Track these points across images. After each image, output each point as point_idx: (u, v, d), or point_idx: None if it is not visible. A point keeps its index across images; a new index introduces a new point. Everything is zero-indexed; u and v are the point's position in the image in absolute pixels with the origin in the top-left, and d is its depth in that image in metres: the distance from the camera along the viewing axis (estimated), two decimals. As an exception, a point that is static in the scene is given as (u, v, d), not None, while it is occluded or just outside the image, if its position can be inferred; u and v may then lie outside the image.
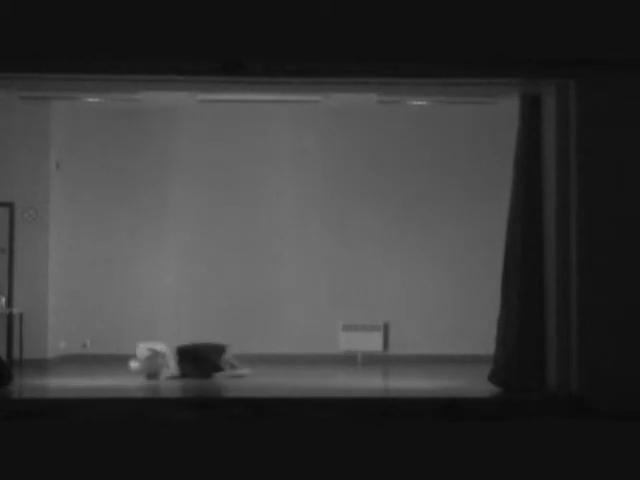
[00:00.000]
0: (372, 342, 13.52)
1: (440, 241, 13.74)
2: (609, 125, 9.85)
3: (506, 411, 9.49)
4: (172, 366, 11.61)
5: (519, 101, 10.71)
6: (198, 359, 11.71)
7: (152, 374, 11.47)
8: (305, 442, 7.81)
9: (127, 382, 11.27)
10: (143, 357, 11.61)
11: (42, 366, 12.66)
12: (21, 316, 12.84)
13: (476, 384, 10.79)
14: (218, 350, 11.81)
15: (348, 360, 13.46)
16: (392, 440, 7.92)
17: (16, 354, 12.68)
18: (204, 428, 8.49)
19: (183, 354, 11.71)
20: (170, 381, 11.34)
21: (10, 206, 13.08)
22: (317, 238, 13.73)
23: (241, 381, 11.50)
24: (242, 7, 9.42)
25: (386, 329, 13.64)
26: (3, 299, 12.78)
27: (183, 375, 11.56)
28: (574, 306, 9.96)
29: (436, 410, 9.34)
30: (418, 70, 9.85)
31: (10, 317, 12.74)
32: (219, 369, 11.63)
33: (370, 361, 13.45)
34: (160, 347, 11.70)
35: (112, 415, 9.08)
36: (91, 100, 12.64)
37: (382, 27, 9.46)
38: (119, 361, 12.98)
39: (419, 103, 12.83)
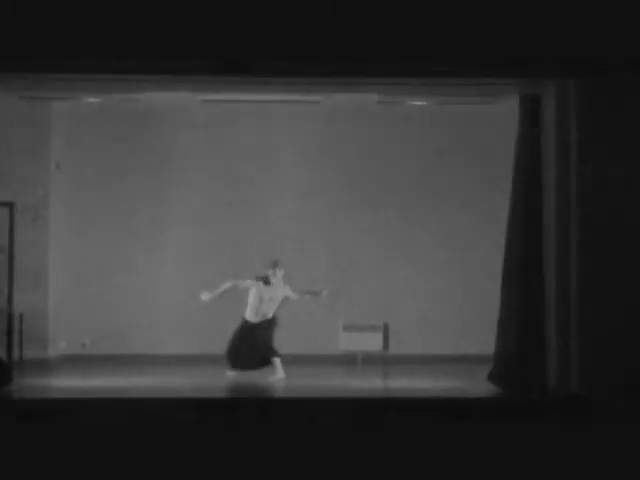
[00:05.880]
0: (372, 342, 13.51)
1: (440, 241, 13.73)
2: (609, 125, 9.86)
3: (506, 411, 9.50)
4: None
5: (519, 101, 10.72)
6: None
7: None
8: (305, 442, 7.81)
9: (127, 382, 11.28)
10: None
11: (42, 366, 12.65)
12: (21, 316, 12.83)
13: (476, 384, 10.79)
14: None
15: (348, 360, 13.45)
16: (392, 440, 7.92)
17: (16, 354, 12.66)
18: (204, 428, 8.49)
19: None
20: None
21: (10, 206, 13.07)
22: (317, 238, 13.72)
23: (241, 382, 11.51)
24: (242, 7, 9.43)
25: (386, 329, 13.63)
26: (3, 299, 12.77)
27: None
28: (574, 306, 9.97)
29: (436, 410, 9.34)
30: (418, 70, 9.85)
31: (10, 317, 12.72)
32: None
33: (370, 361, 13.45)
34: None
35: (112, 415, 9.08)
36: (91, 100, 12.63)
37: (382, 27, 9.47)
38: (119, 361, 13.01)
39: (419, 103, 12.82)
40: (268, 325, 11.88)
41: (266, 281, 11.87)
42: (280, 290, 11.88)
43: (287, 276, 11.98)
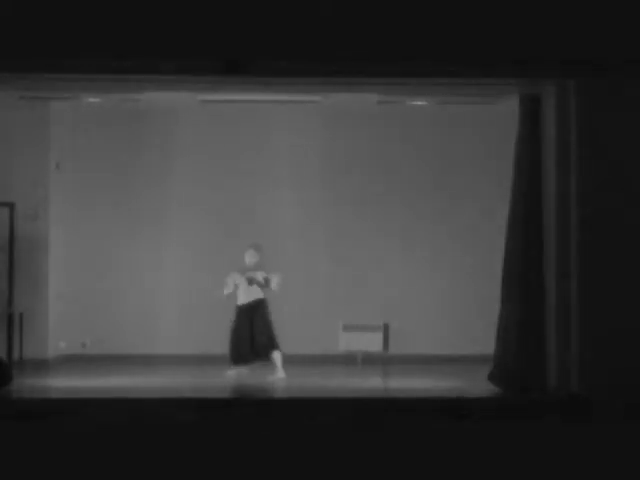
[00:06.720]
0: (372, 342, 13.52)
1: (440, 241, 13.74)
2: (609, 125, 9.86)
3: (506, 411, 9.50)
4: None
5: (519, 101, 10.71)
6: None
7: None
8: (305, 442, 7.81)
9: (127, 382, 11.28)
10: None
11: (42, 366, 12.65)
12: (21, 316, 12.83)
13: (476, 384, 10.79)
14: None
15: (348, 360, 13.45)
16: (392, 440, 7.92)
17: (16, 354, 12.66)
18: (204, 428, 8.49)
19: None
20: None
21: (10, 206, 13.07)
22: (317, 238, 13.72)
23: (241, 382, 11.51)
24: (242, 7, 9.43)
25: (386, 329, 13.63)
26: (3, 299, 12.77)
27: None
28: (574, 306, 9.96)
29: (436, 410, 9.34)
30: (418, 70, 9.85)
31: (10, 317, 12.72)
32: None
33: (370, 361, 13.45)
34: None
35: (112, 415, 9.08)
36: (91, 100, 12.63)
37: (382, 27, 9.47)
38: (119, 361, 13.01)
39: (419, 103, 12.82)
40: (262, 309, 11.89)
41: (249, 278, 11.93)
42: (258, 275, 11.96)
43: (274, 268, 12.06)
